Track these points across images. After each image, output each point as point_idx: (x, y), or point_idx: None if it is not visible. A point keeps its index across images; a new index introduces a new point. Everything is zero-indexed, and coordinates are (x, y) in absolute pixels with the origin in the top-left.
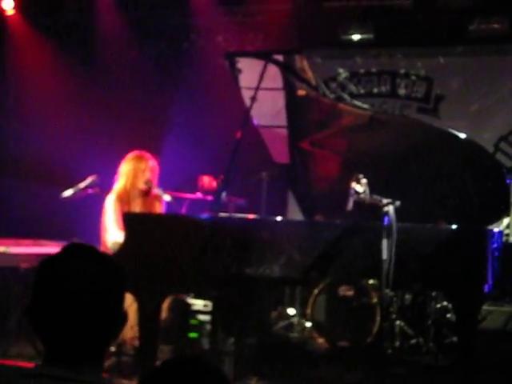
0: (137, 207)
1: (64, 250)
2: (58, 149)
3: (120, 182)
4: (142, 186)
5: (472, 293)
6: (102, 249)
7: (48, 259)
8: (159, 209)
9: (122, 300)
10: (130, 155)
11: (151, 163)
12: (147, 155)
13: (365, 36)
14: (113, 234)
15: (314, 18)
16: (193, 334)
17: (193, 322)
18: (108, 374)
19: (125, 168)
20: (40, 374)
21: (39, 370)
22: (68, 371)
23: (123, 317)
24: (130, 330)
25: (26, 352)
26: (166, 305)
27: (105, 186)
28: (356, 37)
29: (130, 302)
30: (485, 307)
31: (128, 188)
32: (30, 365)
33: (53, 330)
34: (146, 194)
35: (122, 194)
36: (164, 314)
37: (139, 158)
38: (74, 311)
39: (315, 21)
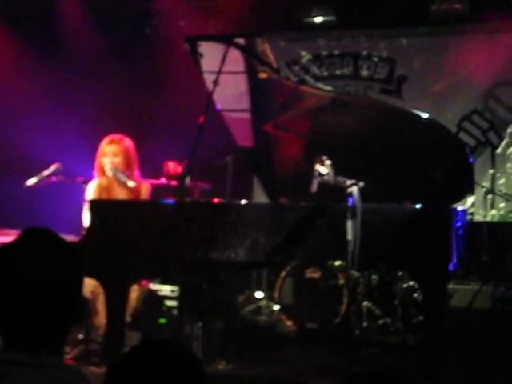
0: (118, 195)
1: (19, 236)
2: (21, 137)
3: (95, 168)
4: (108, 172)
5: (437, 271)
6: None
7: (2, 247)
8: (146, 196)
9: (79, 285)
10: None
11: (118, 146)
12: (116, 138)
13: (327, 18)
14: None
15: (275, 0)
16: (161, 320)
17: (161, 307)
18: (76, 361)
19: (97, 154)
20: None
21: None
22: (28, 356)
23: (81, 301)
24: (100, 318)
25: None
26: (136, 294)
27: (69, 174)
28: (318, 19)
29: (99, 291)
30: (450, 286)
31: (102, 175)
32: None
33: (10, 317)
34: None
35: (101, 182)
36: (134, 304)
37: (105, 143)
38: (30, 297)
39: (277, 4)
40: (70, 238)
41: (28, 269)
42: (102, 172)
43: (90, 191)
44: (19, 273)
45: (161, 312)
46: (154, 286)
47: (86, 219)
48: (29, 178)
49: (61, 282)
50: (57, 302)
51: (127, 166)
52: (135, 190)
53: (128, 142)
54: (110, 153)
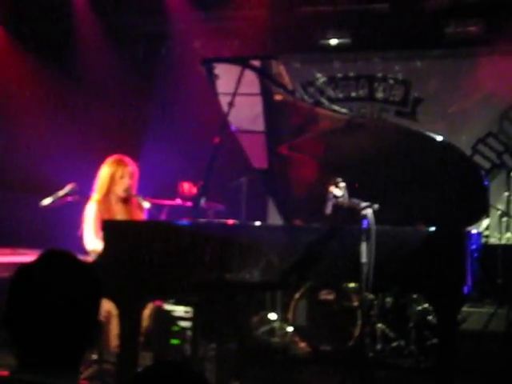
0: (118, 215)
1: (39, 258)
2: (36, 157)
3: (98, 189)
4: (120, 193)
5: (451, 294)
6: (86, 257)
7: (23, 267)
8: (140, 216)
9: (97, 308)
10: (109, 160)
11: (130, 168)
12: (126, 160)
13: (342, 40)
14: (91, 243)
15: (291, 23)
16: (174, 341)
17: (174, 328)
18: (90, 381)
19: (102, 173)
20: (15, 380)
21: (14, 377)
22: (43, 377)
23: (98, 324)
24: (113, 339)
25: (6, 362)
26: (147, 312)
27: (84, 194)
28: (333, 41)
29: (113, 312)
30: (465, 309)
31: (107, 195)
32: (5, 373)
33: (28, 338)
34: (127, 201)
35: (102, 202)
36: (145, 322)
37: (117, 163)
38: (48, 319)
39: (292, 26)
40: (83, 257)
41: (47, 290)
42: (109, 191)
43: (92, 211)
44: (38, 294)
45: (173, 331)
46: (167, 307)
47: (89, 241)
48: (44, 198)
49: (79, 304)
50: (74, 324)
51: (135, 188)
52: (135, 210)
53: (135, 165)
54: (127, 174)
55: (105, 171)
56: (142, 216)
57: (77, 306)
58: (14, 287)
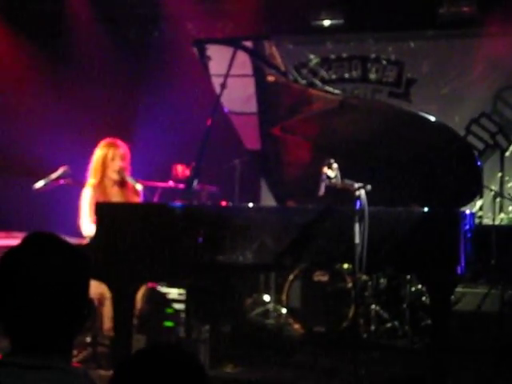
0: (113, 198)
1: (23, 241)
2: (28, 140)
3: (92, 172)
4: (112, 175)
5: (445, 275)
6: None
7: (8, 251)
8: (136, 200)
9: (85, 287)
10: (101, 143)
11: (121, 150)
12: (117, 142)
13: (335, 21)
14: (87, 228)
15: (283, 3)
16: (168, 323)
17: (168, 310)
18: (84, 364)
19: (95, 157)
20: (7, 363)
21: (6, 359)
22: (35, 359)
23: (88, 305)
24: (107, 321)
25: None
26: (141, 295)
27: (76, 177)
28: (326, 22)
29: (107, 295)
30: (459, 289)
31: (101, 179)
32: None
33: (17, 320)
34: (122, 184)
35: (97, 186)
36: (139, 305)
37: (108, 146)
38: (36, 301)
39: (285, 7)
40: (78, 240)
41: (33, 272)
42: (102, 174)
43: (87, 196)
44: (24, 276)
45: (167, 314)
46: (161, 289)
47: (85, 224)
48: (37, 181)
49: (66, 284)
50: (63, 305)
51: (127, 170)
52: (131, 193)
53: (126, 147)
54: (119, 156)
55: (97, 154)
56: (138, 200)
57: (64, 287)
58: (0, 271)
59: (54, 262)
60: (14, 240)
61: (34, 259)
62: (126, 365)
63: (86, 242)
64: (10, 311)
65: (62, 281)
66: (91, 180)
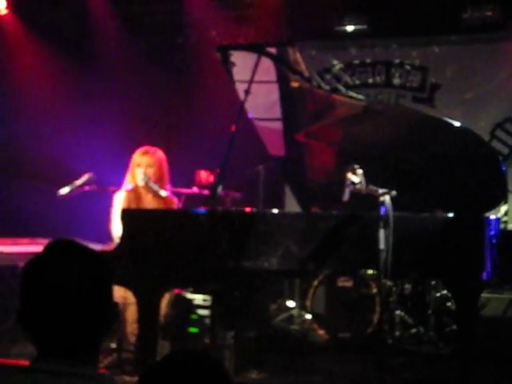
0: (147, 205)
1: (45, 249)
2: (54, 146)
3: (126, 178)
4: (140, 182)
5: (470, 280)
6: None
7: (32, 259)
8: (171, 207)
9: (109, 293)
10: (136, 151)
11: (148, 158)
12: (147, 149)
13: (358, 27)
14: (116, 230)
15: (307, 9)
16: (193, 329)
17: (193, 316)
18: (109, 370)
19: (130, 164)
20: (34, 370)
21: (33, 366)
22: (62, 366)
23: (113, 310)
24: (131, 326)
25: (27, 351)
26: (166, 301)
27: (101, 183)
28: (350, 28)
29: (131, 299)
30: (484, 295)
31: (135, 184)
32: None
33: (42, 327)
34: (155, 192)
35: (132, 191)
36: (164, 310)
37: (139, 153)
38: (61, 308)
39: (308, 12)
40: (103, 247)
41: (54, 279)
42: (133, 182)
43: (119, 201)
44: (46, 284)
45: (191, 319)
46: (186, 295)
47: (116, 228)
48: (62, 187)
49: (88, 290)
50: (86, 310)
51: (159, 178)
52: (165, 201)
53: (161, 155)
54: (144, 163)
55: (131, 161)
56: (173, 208)
57: (87, 293)
58: (24, 280)
59: (74, 269)
60: (38, 246)
61: (55, 266)
62: (151, 371)
63: (111, 246)
64: (35, 318)
65: (83, 287)
66: (127, 185)
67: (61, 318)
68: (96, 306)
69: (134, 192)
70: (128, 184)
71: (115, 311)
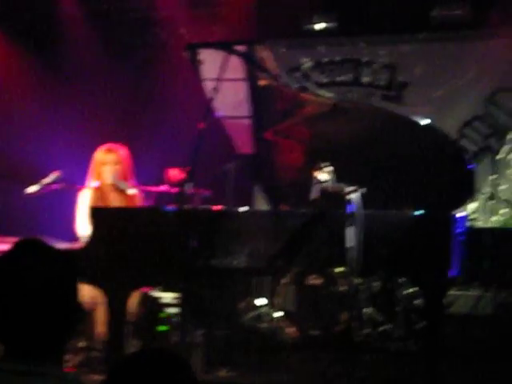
0: (112, 203)
1: (12, 248)
2: (21, 144)
3: (89, 176)
4: (105, 179)
5: (438, 278)
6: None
7: None
8: (136, 205)
9: (74, 292)
10: (98, 148)
11: (113, 155)
12: (111, 147)
13: (327, 25)
14: (82, 229)
15: (275, 7)
16: (162, 327)
17: (162, 315)
18: (78, 369)
19: (92, 161)
20: None
21: None
22: (27, 365)
23: (78, 309)
24: (100, 326)
25: None
26: (135, 299)
27: (69, 182)
28: (319, 26)
29: (100, 299)
30: (452, 292)
31: (101, 183)
32: None
33: (8, 327)
34: (123, 190)
35: (97, 190)
36: (134, 309)
37: (103, 151)
38: (26, 307)
39: (277, 11)
40: (71, 245)
41: (20, 279)
42: (99, 180)
43: (85, 199)
44: (12, 283)
45: (161, 318)
46: (155, 294)
47: (81, 226)
48: (29, 185)
49: (54, 290)
50: (51, 310)
51: (124, 175)
52: (131, 199)
53: (125, 151)
54: (110, 161)
55: (93, 159)
56: (139, 204)
57: (53, 292)
58: None
59: (40, 268)
60: (6, 245)
61: (21, 265)
62: (117, 368)
63: (79, 245)
64: (0, 317)
65: (49, 286)
66: (91, 183)
67: (25, 318)
68: (61, 305)
69: (100, 190)
70: (92, 182)
71: (81, 311)
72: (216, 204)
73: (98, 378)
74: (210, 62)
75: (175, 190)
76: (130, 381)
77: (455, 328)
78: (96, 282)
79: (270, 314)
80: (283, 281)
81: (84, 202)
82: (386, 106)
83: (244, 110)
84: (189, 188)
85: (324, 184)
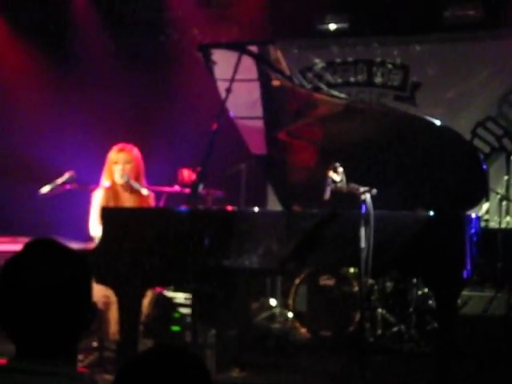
0: (125, 203)
1: (25, 247)
2: (34, 145)
3: (103, 176)
4: (119, 180)
5: (450, 279)
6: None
7: (10, 258)
8: (149, 205)
9: (87, 291)
10: (112, 148)
11: (125, 155)
12: (123, 146)
13: (340, 25)
14: (95, 229)
15: (288, 8)
16: (175, 328)
17: (174, 315)
18: (90, 369)
19: (106, 161)
20: (12, 369)
21: (11, 365)
22: (40, 365)
23: (91, 308)
24: (113, 325)
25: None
26: (148, 299)
27: (82, 182)
28: (332, 26)
29: (112, 299)
30: (465, 293)
31: (112, 182)
32: (4, 361)
33: (20, 326)
34: (133, 189)
35: (110, 189)
36: (146, 309)
37: (115, 150)
38: (38, 307)
39: (290, 11)
40: (84, 245)
41: (33, 278)
42: (111, 179)
43: (98, 199)
44: (25, 282)
45: (173, 318)
46: (167, 294)
47: (94, 227)
48: (43, 186)
49: (67, 289)
50: (64, 310)
51: (137, 175)
52: (143, 199)
53: (137, 151)
54: (122, 160)
55: (107, 159)
56: (151, 204)
57: (65, 291)
58: (2, 279)
59: (53, 268)
60: (18, 245)
61: (34, 265)
62: (129, 366)
63: (92, 245)
64: (13, 317)
65: (62, 285)
66: (104, 183)
67: (39, 318)
68: (74, 305)
69: (112, 190)
70: (105, 182)
71: (94, 310)
72: (229, 204)
73: (110, 377)
74: (223, 62)
75: (188, 190)
76: (142, 377)
77: (468, 329)
78: (108, 282)
79: (282, 315)
80: (296, 281)
81: (97, 202)
82: (399, 106)
83: (257, 110)
84: (201, 188)
85: (337, 184)
